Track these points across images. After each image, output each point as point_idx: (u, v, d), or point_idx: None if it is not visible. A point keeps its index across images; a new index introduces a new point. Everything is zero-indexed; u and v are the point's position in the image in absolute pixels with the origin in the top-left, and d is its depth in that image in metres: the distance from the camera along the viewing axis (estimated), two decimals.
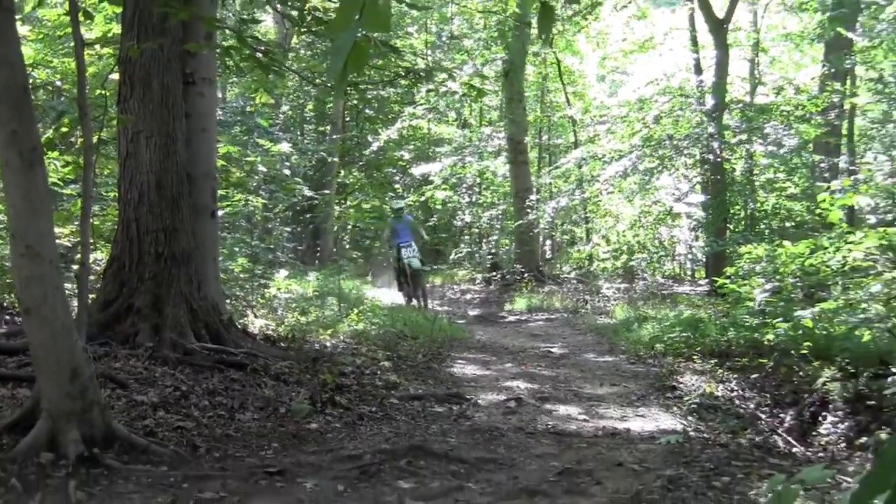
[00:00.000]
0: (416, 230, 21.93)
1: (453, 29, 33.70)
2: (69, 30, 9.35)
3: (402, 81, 14.33)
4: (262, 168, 22.25)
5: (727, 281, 12.74)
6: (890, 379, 8.06)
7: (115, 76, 10.66)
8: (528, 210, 26.75)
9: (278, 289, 17.63)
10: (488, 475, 6.38)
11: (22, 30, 13.51)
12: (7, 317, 10.96)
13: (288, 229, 28.54)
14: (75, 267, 10.49)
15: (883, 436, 7.13)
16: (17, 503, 5.17)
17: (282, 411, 8.14)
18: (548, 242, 34.94)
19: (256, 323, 13.52)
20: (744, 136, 20.78)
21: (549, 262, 32.14)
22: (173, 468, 6.10)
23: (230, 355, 9.47)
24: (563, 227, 33.01)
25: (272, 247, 23.56)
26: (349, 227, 32.74)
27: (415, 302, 21.06)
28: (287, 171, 25.69)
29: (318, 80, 20.66)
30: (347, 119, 32.13)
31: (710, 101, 21.14)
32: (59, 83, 15.38)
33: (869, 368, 8.62)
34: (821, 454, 7.72)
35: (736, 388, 10.08)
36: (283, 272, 19.70)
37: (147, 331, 9.24)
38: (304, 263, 25.67)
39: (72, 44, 8.39)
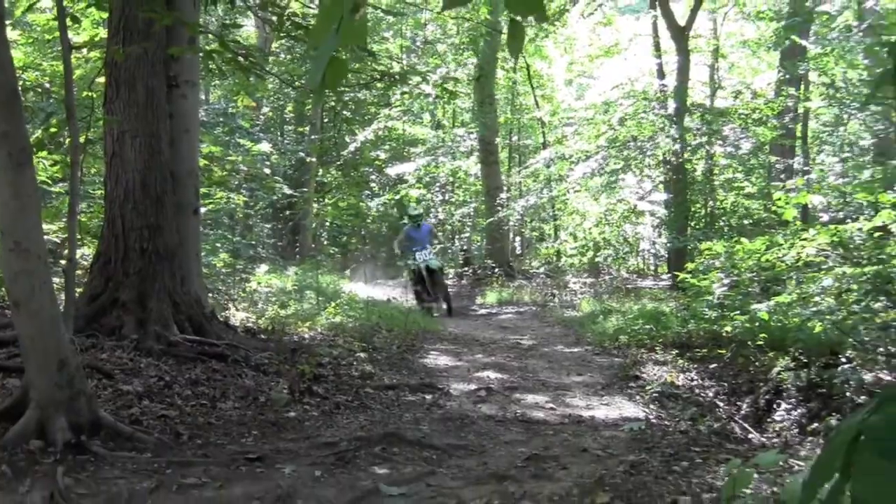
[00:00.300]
0: (436, 237, 20.96)
1: (427, 34, 33.70)
2: (58, 34, 9.32)
3: (378, 84, 14.31)
4: (243, 167, 22.18)
5: (688, 275, 12.79)
6: (840, 368, 8.13)
7: (102, 79, 10.64)
8: (499, 208, 26.83)
9: (259, 283, 17.61)
10: (459, 461, 6.41)
11: (12, 34, 13.46)
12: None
13: (268, 226, 28.49)
14: (63, 262, 10.47)
15: (833, 422, 7.20)
16: (8, 488, 5.17)
17: (261, 400, 8.15)
18: (517, 239, 35.02)
19: (237, 316, 13.50)
20: (704, 138, 20.87)
21: (518, 257, 32.22)
22: (157, 455, 6.11)
23: (212, 347, 9.47)
24: (532, 224, 33.09)
25: (253, 243, 23.50)
26: (327, 224, 32.68)
27: (434, 304, 19.44)
28: (267, 170, 25.61)
29: (297, 83, 20.62)
30: (326, 120, 32.08)
31: (672, 105, 21.21)
32: (47, 85, 15.30)
33: (820, 358, 8.69)
34: (775, 440, 7.77)
35: (696, 377, 10.14)
36: (264, 267, 19.68)
37: (132, 323, 9.23)
38: (284, 259, 25.59)
39: (60, 47, 8.36)
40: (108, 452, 5.95)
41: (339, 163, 31.98)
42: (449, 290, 20.25)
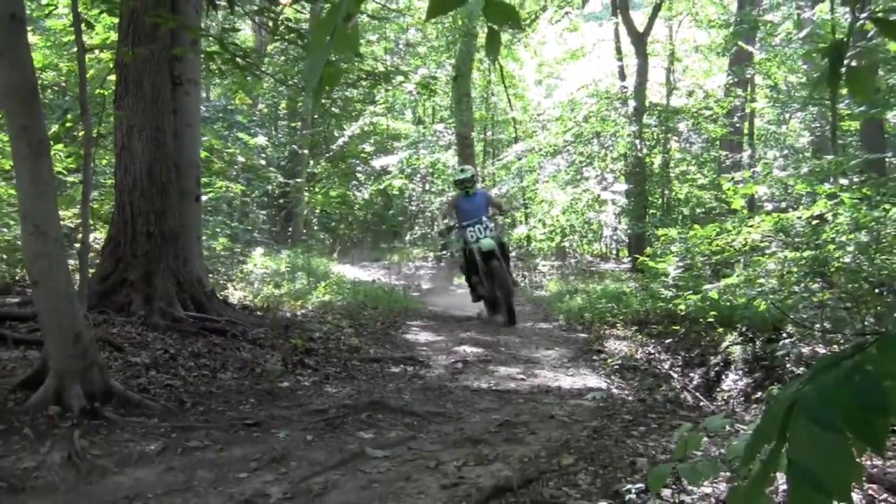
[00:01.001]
0: (498, 207, 14.08)
1: (409, 37, 33.62)
2: (73, 37, 9.30)
3: (364, 83, 14.31)
4: (240, 158, 22.16)
5: (646, 259, 12.87)
6: (781, 343, 8.23)
7: (113, 77, 10.63)
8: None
9: (254, 265, 17.60)
10: (438, 427, 6.44)
11: (32, 38, 13.42)
12: (19, 288, 10.93)
13: (263, 213, 28.46)
14: (77, 245, 10.47)
15: (775, 391, 7.27)
16: (31, 449, 5.19)
17: (258, 371, 8.15)
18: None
19: (235, 295, 13.51)
20: (660, 134, 20.98)
21: None
22: (163, 420, 6.13)
23: (213, 322, 9.48)
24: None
25: (249, 228, 23.49)
26: (317, 211, 32.62)
27: (496, 314, 13.36)
28: (263, 162, 25.60)
29: (290, 83, 20.58)
30: (316, 116, 31.96)
31: (631, 104, 21.29)
32: (63, 84, 15.26)
33: (764, 334, 8.80)
34: (723, 407, 7.87)
35: (653, 351, 10.22)
36: (259, 250, 19.65)
37: (139, 301, 9.24)
38: (277, 243, 25.58)
39: (75, 49, 8.34)
40: (119, 418, 5.98)
41: (328, 155, 31.92)
42: (512, 285, 13.36)
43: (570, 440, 5.72)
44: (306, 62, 2.15)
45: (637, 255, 15.37)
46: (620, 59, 23.43)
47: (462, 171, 14.24)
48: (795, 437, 1.36)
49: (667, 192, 21.53)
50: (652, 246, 13.88)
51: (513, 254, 24.76)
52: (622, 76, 23.07)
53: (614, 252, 28.93)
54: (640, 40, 21.59)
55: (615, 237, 26.97)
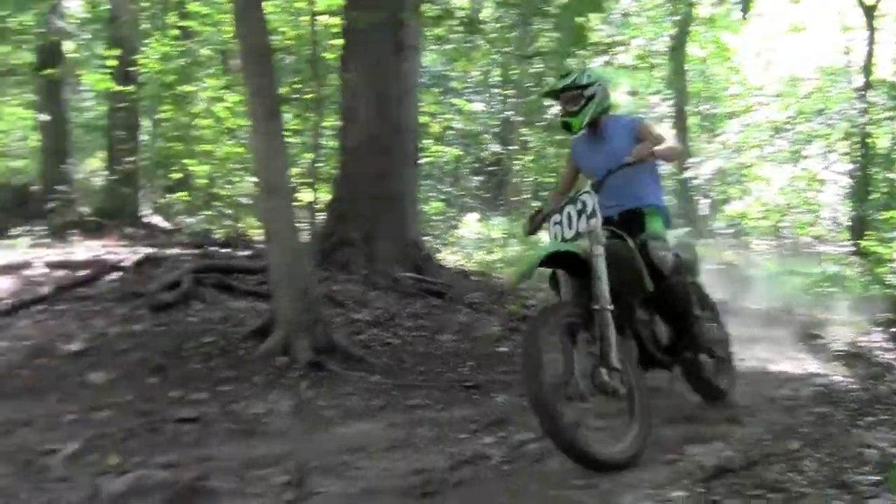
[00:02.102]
0: (654, 140, 5.07)
1: (625, 6, 33.15)
2: (302, 2, 9.52)
3: (586, 52, 14.14)
4: (459, 124, 22.35)
5: (870, 243, 12.37)
6: None
7: (336, 42, 10.87)
8: (686, 169, 26.26)
9: (468, 230, 17.74)
10: (654, 402, 6.32)
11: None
12: (243, 242, 11.39)
13: (476, 179, 28.66)
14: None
15: None
16: (260, 396, 5.41)
17: (475, 335, 8.23)
18: (706, 201, 34.26)
19: (449, 259, 13.65)
20: (890, 113, 19.97)
21: (704, 218, 31.51)
22: (385, 377, 6.28)
23: (430, 285, 9.66)
24: (720, 187, 32.31)
25: (462, 193, 23.72)
26: (529, 179, 32.67)
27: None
28: (479, 128, 25.77)
29: (505, 50, 20.58)
30: (528, 85, 31.97)
31: (857, 80, 20.40)
32: (289, 48, 15.71)
33: None
34: None
35: (878, 339, 9.81)
36: (474, 215, 19.76)
37: (361, 260, 9.49)
38: (489, 209, 25.74)
39: (297, 16, 8.55)
40: (342, 371, 6.17)
41: (541, 124, 31.91)
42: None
43: (794, 425, 5.54)
44: (560, 20, 2.14)
45: (859, 239, 14.76)
46: (845, 33, 22.47)
47: (563, 77, 5.43)
48: None
49: (892, 174, 20.51)
50: (875, 229, 13.29)
51: (726, 230, 24.05)
52: (847, 51, 22.12)
53: (833, 234, 27.93)
54: (868, 13, 20.59)
55: (835, 218, 26.01)
